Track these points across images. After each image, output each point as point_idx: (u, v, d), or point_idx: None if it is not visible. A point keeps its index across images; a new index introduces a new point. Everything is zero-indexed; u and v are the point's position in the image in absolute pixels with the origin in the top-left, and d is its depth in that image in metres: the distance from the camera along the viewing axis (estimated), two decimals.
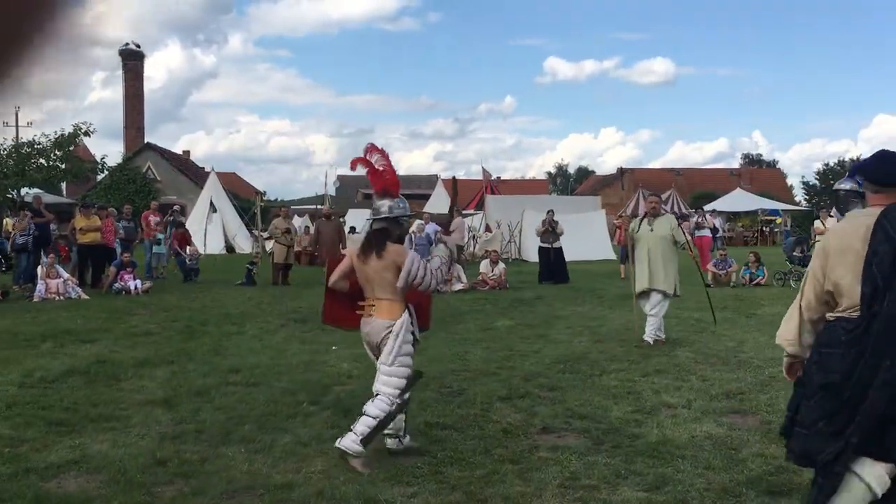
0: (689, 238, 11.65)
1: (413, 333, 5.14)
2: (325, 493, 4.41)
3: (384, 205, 5.28)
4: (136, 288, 14.77)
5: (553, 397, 6.70)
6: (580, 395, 6.76)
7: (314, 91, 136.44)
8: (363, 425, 4.86)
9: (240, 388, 6.95)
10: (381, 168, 5.43)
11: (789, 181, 68.94)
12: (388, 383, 4.96)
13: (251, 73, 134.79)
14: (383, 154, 5.48)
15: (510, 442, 5.39)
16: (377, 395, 4.98)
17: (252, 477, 4.70)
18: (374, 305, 5.06)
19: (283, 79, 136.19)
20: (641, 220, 9.66)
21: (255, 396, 6.65)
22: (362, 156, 5.46)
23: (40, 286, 13.92)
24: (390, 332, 4.97)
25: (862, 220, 3.39)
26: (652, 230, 9.35)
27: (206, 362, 8.16)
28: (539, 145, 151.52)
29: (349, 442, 4.83)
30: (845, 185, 7.52)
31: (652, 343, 9.21)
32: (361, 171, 5.52)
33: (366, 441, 4.84)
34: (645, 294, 9.41)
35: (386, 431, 5.13)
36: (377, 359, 5.11)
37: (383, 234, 5.16)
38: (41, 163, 45.31)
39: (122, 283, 14.84)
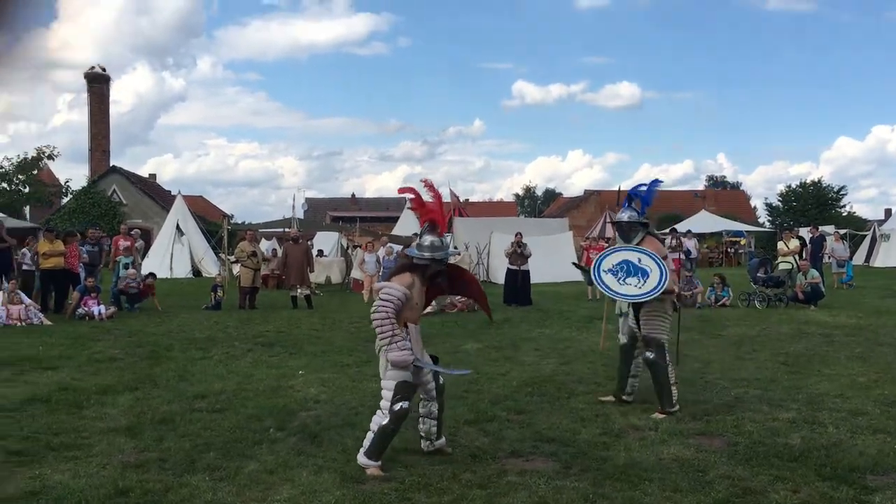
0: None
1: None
2: None
3: (426, 241, 5.55)
4: (100, 313, 14.54)
5: (521, 420, 6.70)
6: (548, 418, 6.77)
7: (284, 114, 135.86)
8: (367, 439, 5.29)
9: (205, 415, 6.85)
10: (427, 202, 5.73)
11: (753, 203, 70.05)
12: (383, 396, 5.37)
13: (220, 97, 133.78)
14: (435, 192, 5.77)
15: (478, 466, 5.36)
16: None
17: None
18: None
19: (253, 102, 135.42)
20: None
21: (221, 423, 6.56)
22: (411, 186, 5.87)
23: (1, 312, 13.65)
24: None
25: None
26: None
27: (171, 388, 8.04)
28: (507, 168, 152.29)
29: (359, 456, 5.26)
30: (625, 215, 7.56)
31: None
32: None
33: (370, 453, 5.22)
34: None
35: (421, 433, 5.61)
36: None
37: (401, 268, 5.58)
38: (3, 187, 44.76)
39: (86, 309, 14.62)
